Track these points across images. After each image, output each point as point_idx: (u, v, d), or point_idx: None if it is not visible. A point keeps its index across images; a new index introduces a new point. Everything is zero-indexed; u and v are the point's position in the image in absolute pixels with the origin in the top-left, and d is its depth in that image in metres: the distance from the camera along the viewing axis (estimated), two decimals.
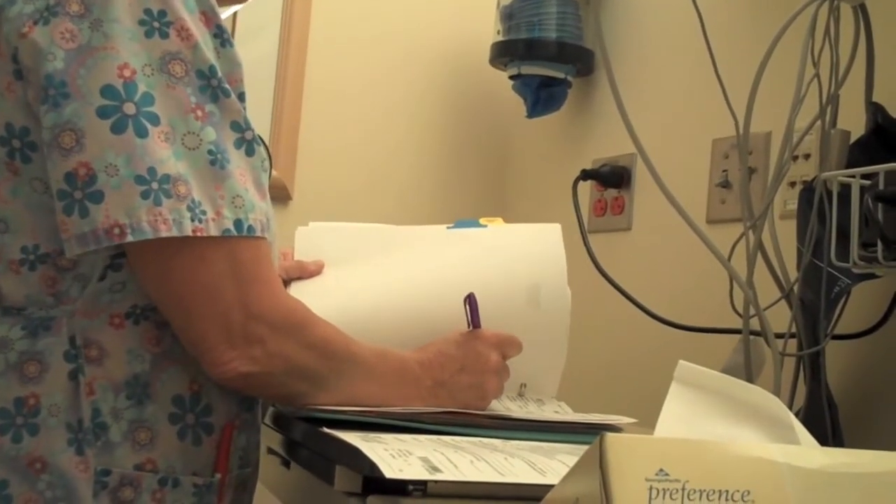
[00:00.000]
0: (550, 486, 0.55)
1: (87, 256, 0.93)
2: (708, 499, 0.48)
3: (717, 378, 0.79)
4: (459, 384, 1.08)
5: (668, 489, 0.48)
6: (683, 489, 0.48)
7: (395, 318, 1.18)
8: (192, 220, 0.90)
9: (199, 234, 0.91)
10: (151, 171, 0.89)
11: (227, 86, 0.95)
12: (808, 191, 1.24)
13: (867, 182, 1.09)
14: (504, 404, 1.19)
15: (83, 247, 0.89)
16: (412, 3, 2.18)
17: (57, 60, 0.90)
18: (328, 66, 2.10)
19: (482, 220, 1.32)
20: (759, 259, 1.26)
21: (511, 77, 1.98)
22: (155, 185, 0.89)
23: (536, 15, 1.91)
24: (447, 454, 0.80)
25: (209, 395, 1.00)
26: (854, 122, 1.26)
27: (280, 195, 2.00)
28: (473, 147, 2.24)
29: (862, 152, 1.22)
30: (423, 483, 0.74)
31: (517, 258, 1.25)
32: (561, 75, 1.93)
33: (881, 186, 1.07)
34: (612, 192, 1.87)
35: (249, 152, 0.96)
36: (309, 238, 1.33)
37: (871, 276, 1.19)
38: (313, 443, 0.94)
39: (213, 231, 0.92)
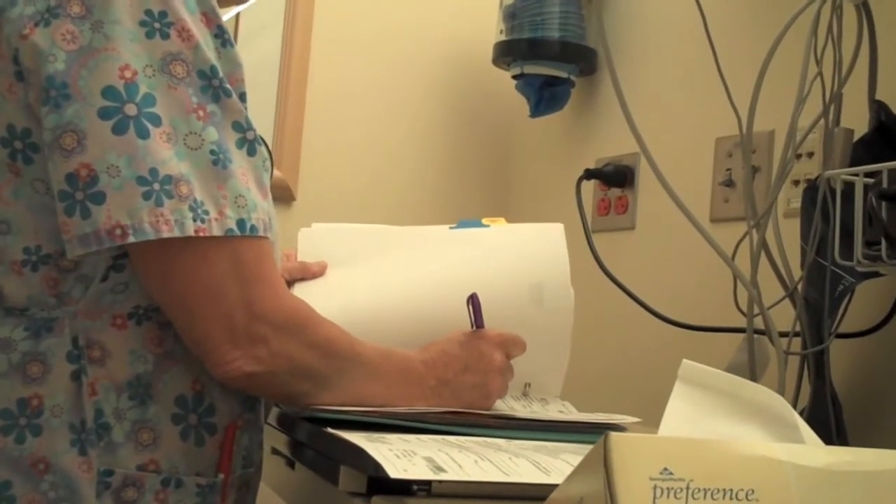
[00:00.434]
0: (555, 486, 0.55)
1: (89, 257, 0.93)
2: (712, 498, 0.48)
3: (722, 377, 0.79)
4: (463, 384, 1.08)
5: (673, 488, 0.48)
6: (688, 488, 0.48)
7: (398, 319, 1.18)
8: (195, 221, 0.91)
9: (201, 234, 0.91)
10: (153, 171, 0.90)
11: (228, 86, 0.95)
12: (811, 189, 1.24)
13: (871, 180, 1.09)
14: (508, 404, 1.19)
15: (85, 248, 0.90)
16: (415, 3, 2.18)
17: (58, 62, 0.90)
18: (331, 66, 2.10)
19: (485, 221, 1.32)
20: (763, 258, 1.26)
21: (514, 77, 1.98)
22: (157, 186, 0.89)
23: (539, 14, 1.91)
24: (451, 454, 0.80)
25: (212, 395, 1.00)
26: (857, 121, 1.25)
27: (284, 195, 2.00)
28: (476, 147, 2.24)
29: (865, 150, 1.22)
30: (428, 483, 0.74)
31: (520, 257, 1.25)
32: (564, 75, 1.93)
33: (885, 185, 1.07)
34: (615, 192, 1.87)
35: (251, 152, 0.97)
36: (312, 239, 1.33)
37: (875, 275, 1.19)
38: (317, 443, 0.94)
39: (216, 231, 0.92)
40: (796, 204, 1.34)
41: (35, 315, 0.96)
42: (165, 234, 0.89)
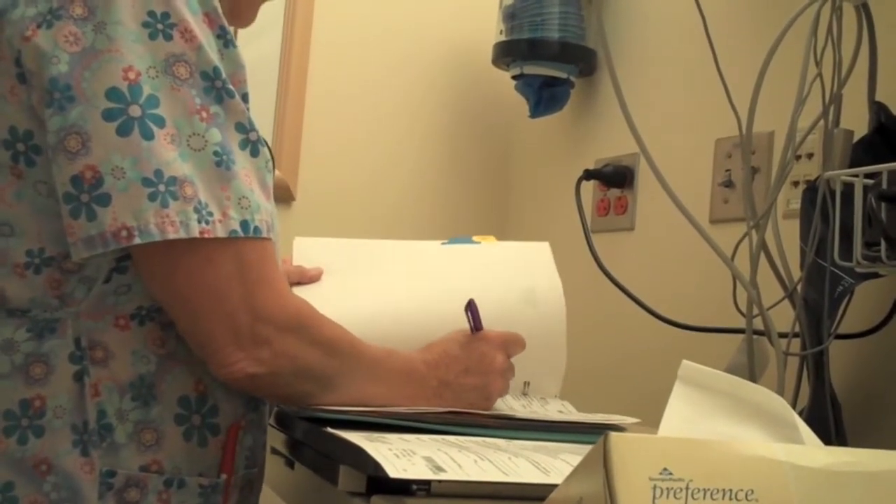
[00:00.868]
0: (554, 486, 0.55)
1: (92, 259, 0.93)
2: (712, 498, 0.48)
3: (721, 378, 0.79)
4: (464, 385, 1.08)
5: (672, 488, 0.48)
6: (687, 488, 0.48)
7: (394, 324, 1.19)
8: (199, 222, 0.91)
9: (206, 235, 0.91)
10: (158, 173, 0.89)
11: (231, 87, 0.95)
12: (811, 190, 1.24)
13: (870, 181, 1.09)
14: (508, 404, 1.19)
15: (91, 250, 0.89)
16: (415, 3, 2.18)
17: (61, 64, 0.90)
18: (331, 67, 2.10)
19: (475, 238, 1.38)
20: (763, 259, 1.26)
21: (513, 77, 1.98)
22: (162, 188, 0.89)
23: (539, 15, 1.91)
24: (451, 454, 0.80)
25: (215, 396, 1.00)
26: (857, 122, 1.25)
27: (283, 196, 2.00)
28: (476, 147, 2.24)
29: (865, 152, 1.22)
30: (427, 483, 0.74)
31: (511, 267, 1.30)
32: (563, 75, 1.93)
33: (884, 186, 1.07)
34: (615, 192, 1.87)
35: (254, 153, 0.97)
36: (306, 250, 1.35)
37: (875, 276, 1.19)
38: (317, 443, 0.95)
39: (220, 232, 0.92)
40: (796, 205, 1.34)
41: (37, 316, 0.96)
42: (171, 236, 0.89)
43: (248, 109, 0.97)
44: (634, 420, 1.13)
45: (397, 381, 1.05)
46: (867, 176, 1.09)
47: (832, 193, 1.15)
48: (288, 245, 1.31)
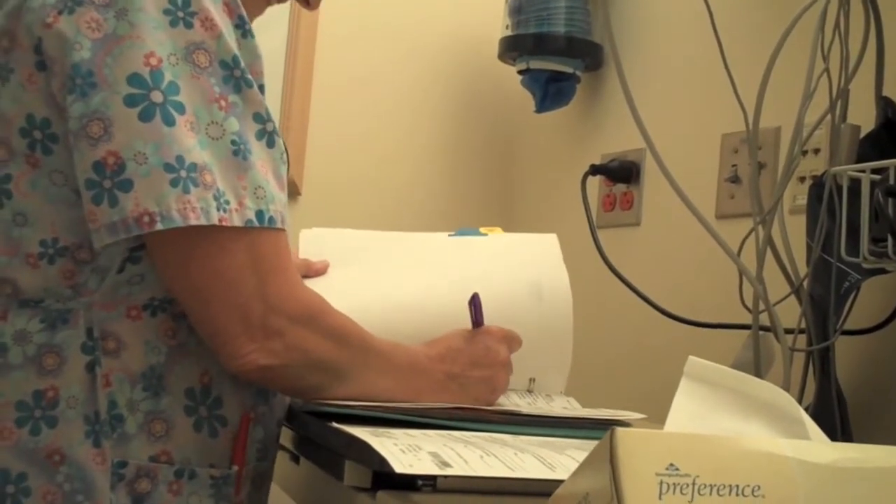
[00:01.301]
0: (560, 482, 0.55)
1: (107, 248, 0.93)
2: (718, 493, 0.48)
3: (727, 373, 0.79)
4: (470, 378, 1.09)
5: (679, 484, 0.48)
6: (694, 484, 0.48)
7: (399, 316, 1.19)
8: (218, 210, 0.91)
9: (224, 223, 0.91)
10: (179, 159, 0.90)
11: (249, 76, 0.96)
12: (817, 186, 1.23)
13: (877, 177, 1.09)
14: (512, 400, 1.19)
15: (113, 236, 0.90)
16: None
17: (83, 50, 0.91)
18: (337, 61, 2.10)
19: (482, 230, 1.37)
20: (769, 254, 1.25)
21: (520, 72, 1.97)
22: (183, 174, 0.90)
23: (545, 9, 1.91)
24: (457, 449, 0.80)
25: (220, 388, 1.00)
26: (864, 117, 1.25)
27: (289, 190, 1.99)
28: (482, 142, 2.23)
29: (872, 147, 1.22)
30: (433, 478, 0.74)
31: (518, 260, 1.29)
32: (570, 70, 1.93)
33: (891, 181, 1.06)
34: (621, 187, 1.87)
35: (270, 144, 0.97)
36: (313, 241, 1.35)
37: (882, 272, 1.19)
38: (322, 438, 0.95)
39: (237, 221, 0.92)
40: (802, 200, 1.33)
41: (50, 307, 0.96)
42: (193, 222, 0.90)
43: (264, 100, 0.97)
44: (640, 416, 1.13)
45: (405, 373, 1.05)
46: (874, 171, 1.09)
47: (839, 189, 1.15)
48: (294, 239, 1.31)
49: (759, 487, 0.49)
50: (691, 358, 0.80)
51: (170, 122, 0.90)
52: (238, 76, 0.95)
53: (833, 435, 1.17)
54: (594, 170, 1.83)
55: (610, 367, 1.82)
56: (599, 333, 1.83)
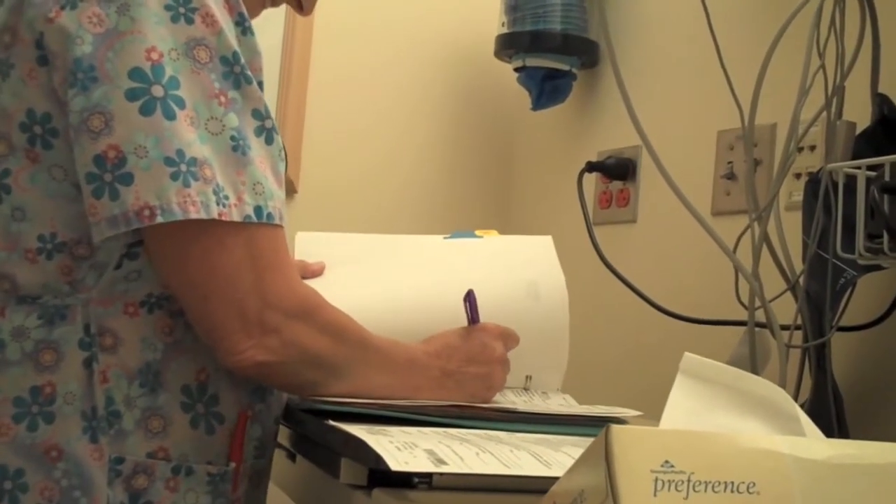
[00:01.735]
0: (556, 479, 0.55)
1: (105, 244, 0.93)
2: (713, 490, 0.48)
3: (723, 370, 0.79)
4: (467, 374, 1.09)
5: (674, 481, 0.48)
6: (689, 481, 0.48)
7: (395, 319, 1.19)
8: (217, 205, 0.91)
9: (223, 217, 0.91)
10: (180, 153, 0.90)
11: (249, 73, 0.96)
12: (813, 182, 1.23)
13: (873, 173, 1.09)
14: (509, 398, 1.19)
15: (114, 229, 0.90)
16: None
17: (85, 44, 0.91)
18: (333, 58, 2.10)
19: (478, 232, 1.38)
20: (765, 251, 1.26)
21: (516, 69, 1.97)
22: (183, 168, 0.90)
23: (541, 7, 1.91)
24: (453, 446, 0.80)
25: (217, 385, 1.00)
26: (860, 114, 1.25)
27: (286, 189, 2.00)
28: (478, 140, 2.23)
29: (867, 143, 1.22)
30: (429, 475, 0.74)
31: (514, 260, 1.30)
32: (566, 67, 1.93)
33: (887, 178, 1.06)
34: (617, 185, 1.87)
35: (269, 141, 0.97)
36: (309, 244, 1.35)
37: (877, 268, 1.19)
38: (319, 435, 0.95)
39: (236, 216, 0.92)
40: (798, 197, 1.33)
41: (48, 303, 0.96)
42: (193, 215, 0.90)
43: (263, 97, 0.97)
44: (636, 413, 1.13)
45: (402, 370, 1.05)
46: (870, 168, 1.09)
47: (834, 185, 1.15)
48: (290, 239, 1.31)
49: (754, 484, 0.49)
50: (687, 354, 0.80)
51: (170, 116, 0.90)
52: (238, 72, 0.95)
53: (829, 431, 1.17)
54: (590, 167, 1.83)
55: (606, 364, 1.82)
56: (595, 330, 1.83)
